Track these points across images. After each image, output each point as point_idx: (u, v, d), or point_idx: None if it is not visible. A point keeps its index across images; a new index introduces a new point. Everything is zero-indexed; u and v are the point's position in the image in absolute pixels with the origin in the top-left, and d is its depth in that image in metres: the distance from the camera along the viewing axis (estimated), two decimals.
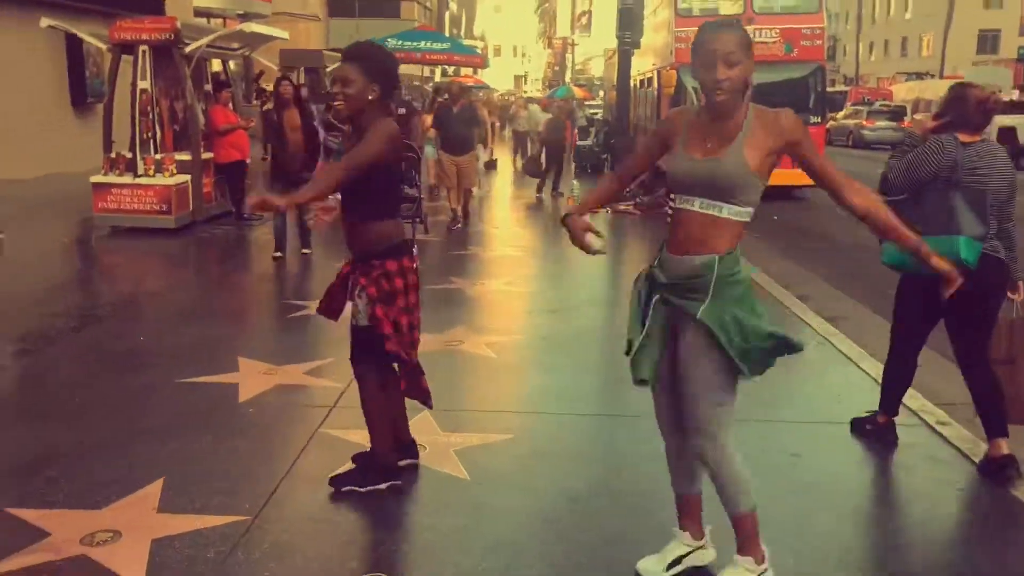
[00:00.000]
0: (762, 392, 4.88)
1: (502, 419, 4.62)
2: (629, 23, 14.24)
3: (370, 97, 3.47)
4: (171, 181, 10.04)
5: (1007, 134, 25.32)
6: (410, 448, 3.97)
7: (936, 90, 41.24)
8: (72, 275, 8.74)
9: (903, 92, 44.76)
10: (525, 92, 50.19)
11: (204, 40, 10.60)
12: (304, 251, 8.79)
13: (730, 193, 2.75)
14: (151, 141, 10.21)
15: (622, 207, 11.80)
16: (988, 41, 49.70)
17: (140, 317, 6.91)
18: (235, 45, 12.27)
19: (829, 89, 17.80)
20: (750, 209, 2.80)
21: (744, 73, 2.71)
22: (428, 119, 12.14)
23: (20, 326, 6.35)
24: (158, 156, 10.14)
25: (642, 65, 18.44)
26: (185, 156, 10.40)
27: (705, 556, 3.15)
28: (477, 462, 4.01)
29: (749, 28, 14.66)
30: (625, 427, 4.46)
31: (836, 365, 5.68)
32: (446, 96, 11.63)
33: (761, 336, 2.76)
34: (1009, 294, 4.06)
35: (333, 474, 3.79)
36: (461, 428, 4.40)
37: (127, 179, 10.02)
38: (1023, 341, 4.10)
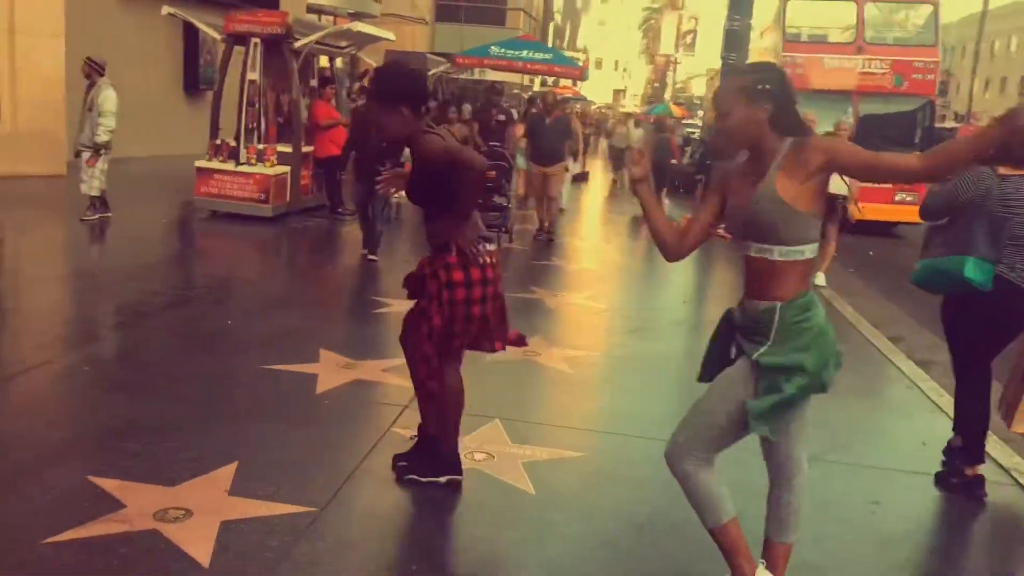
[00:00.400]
0: (843, 432, 4.77)
1: (572, 436, 4.58)
2: (735, 44, 13.96)
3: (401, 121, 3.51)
4: (271, 171, 10.31)
5: None
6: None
7: None
8: (170, 255, 9.05)
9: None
10: (623, 107, 49.97)
11: (313, 36, 10.86)
12: (370, 257, 8.77)
13: (774, 232, 2.67)
14: (255, 131, 10.50)
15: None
16: None
17: (230, 301, 7.10)
18: (343, 43, 12.54)
19: (938, 125, 17.27)
20: (803, 247, 2.68)
21: (744, 120, 2.67)
22: (521, 128, 12.12)
23: (118, 299, 6.61)
24: (261, 146, 10.42)
25: None
26: (286, 148, 10.67)
27: None
28: (543, 477, 3.98)
29: (859, 58, 14.52)
30: None
31: (923, 411, 5.47)
32: (540, 106, 11.44)
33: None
34: None
35: (398, 454, 3.88)
36: (531, 441, 4.39)
37: (229, 166, 10.33)
38: None
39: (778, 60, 14.86)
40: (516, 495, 3.80)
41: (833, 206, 9.30)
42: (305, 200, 11.15)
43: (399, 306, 6.88)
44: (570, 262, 9.94)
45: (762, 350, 2.73)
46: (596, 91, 57.50)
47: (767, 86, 2.68)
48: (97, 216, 9.34)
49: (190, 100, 17.24)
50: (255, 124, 10.53)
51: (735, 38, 14.21)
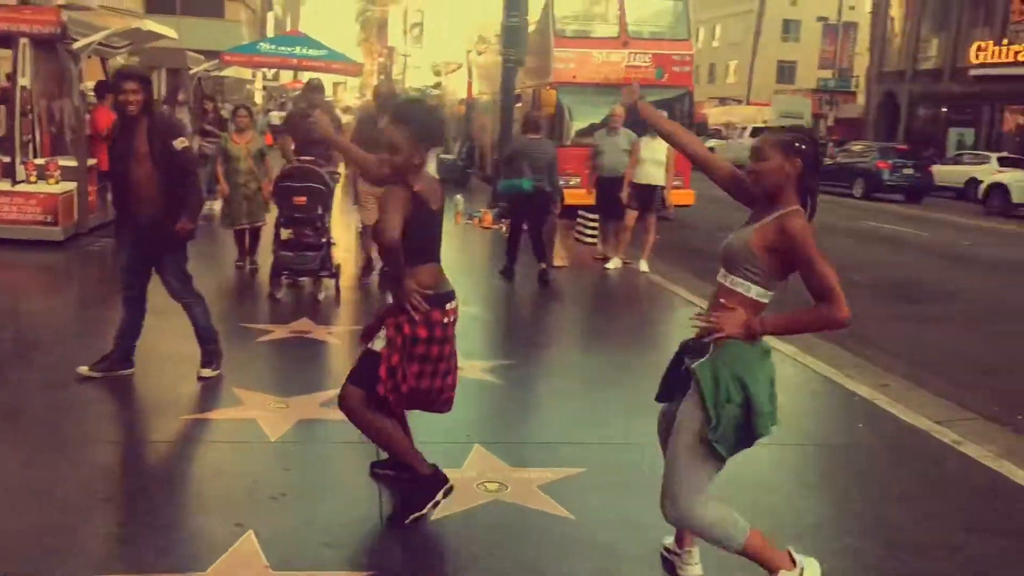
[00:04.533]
0: None
1: (561, 451, 4.50)
2: (514, 41, 14.33)
3: (416, 163, 3.54)
4: (56, 189, 9.11)
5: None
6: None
7: (743, 115, 44.44)
8: None
9: (714, 116, 47.88)
10: (339, 101, 49.27)
11: (97, 36, 9.71)
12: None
13: (734, 264, 2.90)
14: (31, 144, 9.23)
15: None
16: (786, 72, 53.93)
17: (81, 341, 6.21)
18: (118, 42, 11.29)
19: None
20: (750, 284, 2.87)
21: (773, 168, 2.88)
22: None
23: None
24: (40, 161, 9.18)
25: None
26: (71, 162, 9.47)
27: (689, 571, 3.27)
28: (569, 499, 3.89)
29: (624, 52, 15.37)
30: None
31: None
32: (375, 103, 8.51)
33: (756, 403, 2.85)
34: None
35: (388, 515, 3.67)
36: (528, 463, 4.27)
37: (5, 186, 9.00)
38: None
39: (550, 56, 15.40)
40: (559, 523, 3.69)
41: (651, 196, 9.85)
42: (93, 218, 9.96)
43: (280, 332, 6.42)
44: None
45: (702, 361, 2.90)
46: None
47: (803, 147, 2.90)
48: None
49: None
50: (29, 136, 9.25)
51: (514, 34, 14.56)
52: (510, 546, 3.48)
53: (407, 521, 3.58)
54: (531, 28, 15.39)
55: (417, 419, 3.97)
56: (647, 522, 3.70)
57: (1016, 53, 31.80)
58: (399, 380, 3.51)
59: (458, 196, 14.63)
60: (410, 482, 3.71)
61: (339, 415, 4.68)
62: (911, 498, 4.09)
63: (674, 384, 3.12)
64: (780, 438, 3.36)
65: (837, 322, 2.79)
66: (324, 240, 7.61)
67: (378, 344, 3.57)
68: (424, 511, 3.61)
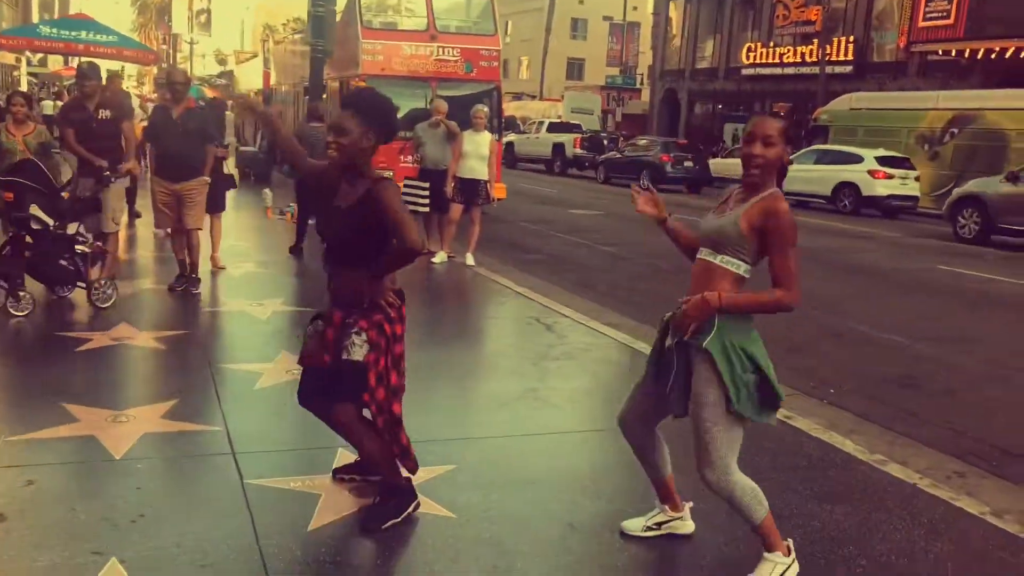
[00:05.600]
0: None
1: (426, 450, 4.41)
2: (321, 31, 13.93)
3: (364, 146, 3.43)
4: None
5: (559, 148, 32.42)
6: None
7: (537, 110, 45.63)
8: None
9: (509, 111, 48.79)
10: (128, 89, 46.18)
11: None
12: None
13: (722, 245, 3.11)
14: None
15: None
16: (575, 68, 55.95)
17: None
18: None
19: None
20: (739, 263, 3.10)
21: (777, 155, 3.08)
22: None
23: None
24: None
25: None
26: None
27: (684, 527, 3.58)
28: (446, 498, 3.85)
29: (433, 46, 15.38)
30: (552, 444, 4.58)
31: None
32: (169, 93, 7.73)
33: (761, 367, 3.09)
34: None
35: (366, 514, 3.61)
36: None
37: None
38: None
39: (358, 48, 15.14)
40: (442, 522, 3.64)
41: (475, 190, 9.93)
42: None
43: (100, 340, 5.95)
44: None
45: (709, 337, 3.06)
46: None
47: (791, 133, 3.16)
48: None
49: None
50: None
51: (321, 25, 14.16)
52: (398, 551, 3.41)
53: (384, 527, 3.51)
54: (339, 18, 15.05)
55: (272, 429, 3.82)
56: (526, 514, 3.76)
57: (781, 55, 34.67)
58: (385, 385, 3.45)
59: (266, 190, 14.11)
60: (385, 489, 3.64)
61: (187, 426, 4.47)
62: (761, 472, 4.35)
63: (658, 359, 3.30)
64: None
65: (787, 308, 3.04)
66: (60, 246, 6.61)
67: (357, 353, 3.41)
68: (399, 519, 3.55)
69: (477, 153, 9.79)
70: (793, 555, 3.28)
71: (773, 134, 3.06)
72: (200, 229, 7.80)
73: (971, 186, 17.24)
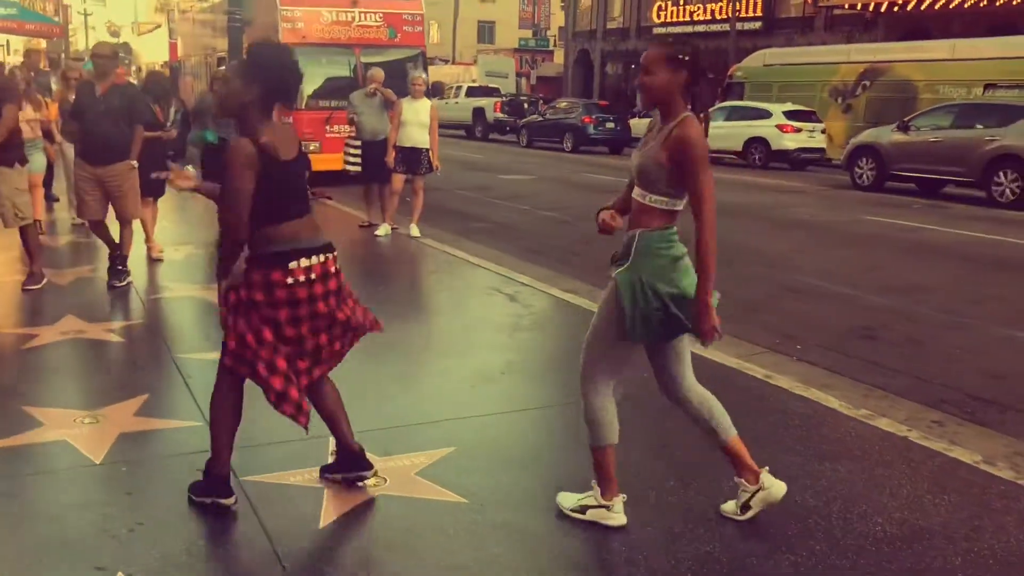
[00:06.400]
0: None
1: (421, 433, 4.30)
2: (240, 2, 13.41)
3: (246, 99, 3.25)
4: None
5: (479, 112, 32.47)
6: (358, 459, 3.63)
7: (451, 74, 45.08)
8: None
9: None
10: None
11: None
12: None
13: (648, 182, 3.18)
14: None
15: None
16: (486, 31, 55.40)
17: None
18: None
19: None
20: (665, 199, 3.16)
21: (661, 82, 3.11)
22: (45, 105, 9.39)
23: None
24: None
25: (221, 43, 17.42)
26: None
27: (771, 494, 3.41)
28: (453, 482, 3.73)
29: (355, 11, 14.92)
30: (546, 418, 4.50)
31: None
32: (94, 68, 7.18)
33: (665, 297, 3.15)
34: None
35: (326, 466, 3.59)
36: (393, 450, 4.04)
37: None
38: None
39: (277, 16, 14.60)
40: (455, 509, 3.53)
41: (417, 159, 9.70)
42: None
43: (48, 335, 5.60)
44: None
45: (621, 269, 3.19)
46: None
47: (685, 57, 3.11)
48: None
49: None
50: None
51: None
52: (418, 545, 3.26)
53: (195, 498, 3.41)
54: None
55: (258, 419, 3.64)
56: (541, 494, 3.67)
57: (691, 13, 34.95)
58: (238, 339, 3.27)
59: (188, 167, 13.52)
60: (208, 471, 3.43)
61: (164, 423, 4.24)
62: (764, 439, 4.35)
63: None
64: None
65: (711, 228, 3.07)
66: None
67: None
68: (198, 500, 3.41)
69: (417, 121, 9.55)
70: (617, 503, 3.35)
71: (650, 63, 3.12)
72: (137, 219, 7.37)
73: (865, 136, 18.07)
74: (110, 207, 7.17)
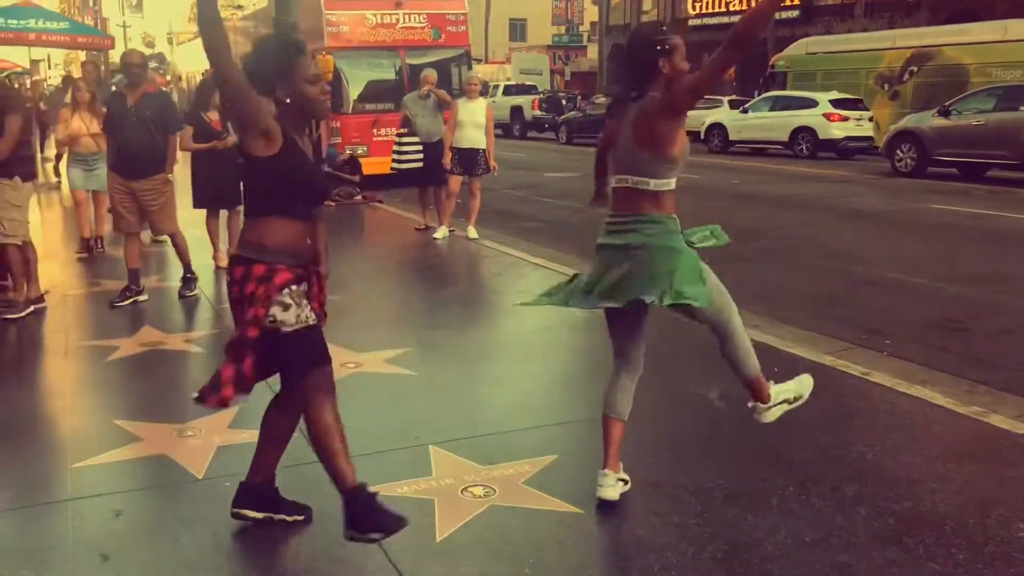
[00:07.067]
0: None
1: (521, 440, 4.19)
2: (285, 5, 13.37)
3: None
4: None
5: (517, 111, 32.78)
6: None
7: (485, 73, 44.97)
8: None
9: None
10: (47, 79, 44.34)
11: None
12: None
13: (633, 167, 3.38)
14: None
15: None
16: (518, 29, 55.23)
17: None
18: None
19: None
20: (648, 180, 3.36)
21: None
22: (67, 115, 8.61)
23: None
24: None
25: None
26: None
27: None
28: (563, 491, 3.62)
29: (399, 13, 14.87)
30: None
31: None
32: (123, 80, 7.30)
33: None
34: None
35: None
36: (496, 458, 3.92)
37: None
38: None
39: (322, 20, 14.58)
40: (576, 520, 3.41)
41: (474, 160, 9.59)
42: None
43: (128, 347, 5.58)
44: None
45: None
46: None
47: (667, 46, 3.32)
48: None
49: None
50: None
51: (286, 1, 13.59)
52: (548, 560, 3.13)
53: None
54: None
55: (360, 428, 3.53)
56: (650, 507, 3.53)
57: (728, 3, 34.56)
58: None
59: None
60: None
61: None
62: (878, 440, 4.19)
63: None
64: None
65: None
66: None
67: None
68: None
69: (473, 121, 9.45)
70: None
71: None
72: (173, 233, 7.00)
73: (906, 122, 17.71)
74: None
